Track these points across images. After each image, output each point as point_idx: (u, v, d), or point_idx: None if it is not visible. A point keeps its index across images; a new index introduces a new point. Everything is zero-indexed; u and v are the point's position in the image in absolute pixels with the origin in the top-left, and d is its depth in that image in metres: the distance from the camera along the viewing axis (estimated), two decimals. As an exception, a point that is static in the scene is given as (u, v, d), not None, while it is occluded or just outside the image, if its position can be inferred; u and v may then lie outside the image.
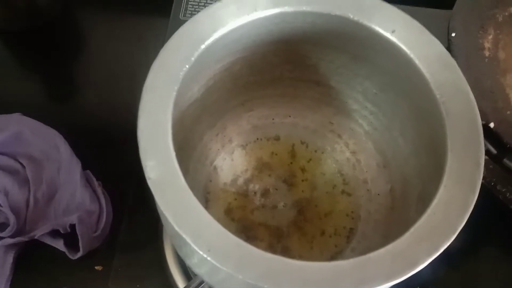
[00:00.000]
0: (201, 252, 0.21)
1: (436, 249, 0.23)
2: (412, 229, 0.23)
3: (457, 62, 0.45)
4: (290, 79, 0.40)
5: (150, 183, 0.23)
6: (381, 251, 0.22)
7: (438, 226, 0.23)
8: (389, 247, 0.23)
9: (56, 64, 0.55)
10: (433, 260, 0.43)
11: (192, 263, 0.28)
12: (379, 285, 0.22)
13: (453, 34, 0.47)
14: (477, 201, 0.44)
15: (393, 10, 0.30)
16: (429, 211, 0.24)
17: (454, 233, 0.23)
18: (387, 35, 0.29)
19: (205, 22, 0.29)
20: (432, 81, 0.28)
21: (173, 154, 0.24)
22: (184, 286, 0.36)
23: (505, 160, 0.45)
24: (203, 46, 0.28)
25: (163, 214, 0.23)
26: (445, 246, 0.23)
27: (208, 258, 0.21)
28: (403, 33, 0.29)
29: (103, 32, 0.57)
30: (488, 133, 0.44)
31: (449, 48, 0.47)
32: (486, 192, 0.41)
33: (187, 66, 0.27)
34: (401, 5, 0.31)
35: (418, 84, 0.30)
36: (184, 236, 0.22)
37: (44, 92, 0.55)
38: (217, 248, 0.22)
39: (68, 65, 0.56)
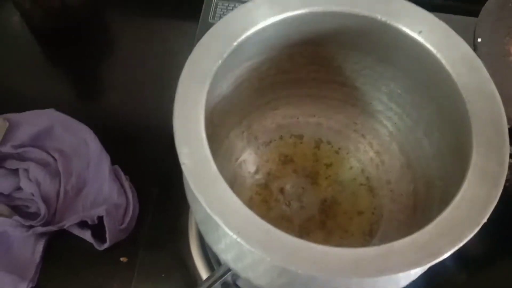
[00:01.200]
0: (231, 233, 0.22)
1: (460, 240, 0.23)
2: (436, 221, 0.24)
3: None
4: (315, 80, 0.41)
5: (184, 169, 0.25)
6: (405, 240, 0.23)
7: (461, 219, 0.24)
8: (413, 236, 0.23)
9: (87, 63, 0.57)
10: (453, 267, 0.44)
11: (219, 249, 0.29)
12: (401, 272, 0.22)
13: (479, 40, 0.47)
14: (498, 205, 0.45)
15: (420, 12, 0.31)
16: (452, 204, 0.25)
17: (477, 226, 0.24)
18: (414, 35, 0.30)
19: (237, 20, 0.30)
20: (459, 81, 0.29)
21: (205, 142, 0.25)
22: (207, 276, 0.37)
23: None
24: (235, 44, 0.29)
25: (195, 198, 0.24)
26: (468, 238, 0.23)
27: (238, 240, 0.22)
28: (430, 34, 0.30)
29: (132, 34, 0.59)
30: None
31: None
32: (508, 196, 0.41)
33: (219, 62, 0.28)
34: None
35: (443, 85, 0.30)
36: (215, 217, 0.23)
37: (76, 90, 0.57)
38: (246, 231, 0.23)
39: (99, 65, 0.57)
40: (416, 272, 0.28)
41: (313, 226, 0.39)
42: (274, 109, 0.42)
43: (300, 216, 0.40)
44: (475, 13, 0.50)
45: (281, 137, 0.43)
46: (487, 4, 0.50)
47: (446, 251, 0.23)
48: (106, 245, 0.45)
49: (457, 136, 0.31)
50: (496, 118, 0.27)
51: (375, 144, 0.42)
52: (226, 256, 0.29)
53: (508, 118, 0.43)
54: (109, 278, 0.45)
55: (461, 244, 0.23)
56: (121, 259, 0.46)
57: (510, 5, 0.50)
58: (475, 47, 0.47)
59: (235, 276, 0.40)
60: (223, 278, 0.38)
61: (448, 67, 0.29)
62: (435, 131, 0.35)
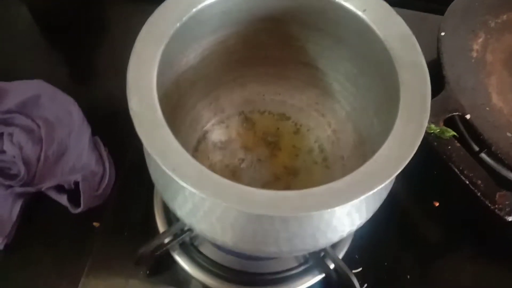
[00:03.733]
0: (166, 170, 0.25)
1: (370, 189, 0.26)
2: (353, 173, 0.27)
3: (443, 59, 0.49)
4: (281, 59, 0.44)
5: (131, 113, 0.27)
6: (322, 187, 0.26)
7: (375, 172, 0.27)
8: (330, 184, 0.26)
9: (81, 46, 0.60)
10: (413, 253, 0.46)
11: (168, 197, 0.32)
12: (314, 211, 0.25)
13: (443, 34, 0.50)
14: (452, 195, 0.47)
15: (366, -8, 0.33)
16: (371, 160, 0.27)
17: (388, 178, 0.26)
18: (359, 13, 0.33)
19: (198, -11, 0.33)
20: (393, 55, 0.31)
21: (154, 93, 0.28)
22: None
23: (482, 154, 0.47)
24: (194, 10, 0.32)
25: (141, 140, 0.26)
26: (378, 188, 0.26)
27: (173, 176, 0.25)
28: (373, 12, 0.33)
29: (127, 21, 0.60)
30: (467, 127, 0.47)
31: (437, 46, 0.50)
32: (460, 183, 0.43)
33: (177, 25, 0.31)
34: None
35: (384, 61, 0.33)
36: (154, 156, 0.26)
37: (68, 70, 0.60)
38: (182, 169, 0.25)
39: (92, 49, 0.60)
40: (342, 226, 0.31)
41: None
42: (242, 85, 0.45)
43: (256, 184, 0.42)
44: (440, 12, 0.53)
45: (247, 111, 0.46)
46: (454, 1, 0.53)
47: (356, 197, 0.25)
48: (80, 209, 0.47)
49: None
50: (421, 87, 0.30)
51: (333, 123, 0.45)
52: (174, 204, 0.31)
53: (461, 106, 0.46)
54: (81, 240, 0.47)
55: (370, 192, 0.26)
56: (94, 224, 0.48)
57: (476, 4, 0.53)
58: (438, 40, 0.50)
59: (194, 238, 0.43)
60: (181, 237, 0.41)
61: (386, 42, 0.32)
62: (384, 109, 0.38)
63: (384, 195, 0.33)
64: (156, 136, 0.26)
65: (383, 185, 0.26)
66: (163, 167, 0.25)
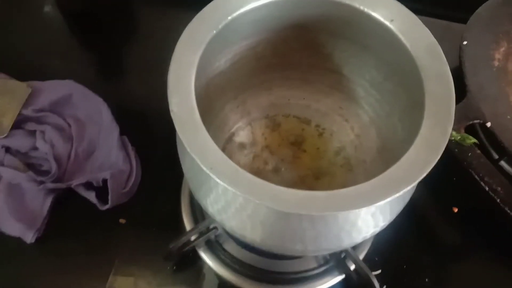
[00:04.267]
0: (205, 169, 0.27)
1: (396, 192, 0.27)
2: (379, 177, 0.28)
3: (465, 68, 0.49)
4: (307, 65, 0.45)
5: (172, 115, 0.29)
6: (349, 189, 0.27)
7: (400, 177, 0.28)
8: (356, 187, 0.27)
9: (110, 46, 0.62)
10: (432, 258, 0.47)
11: (200, 195, 0.33)
12: (342, 210, 0.26)
13: (465, 43, 0.51)
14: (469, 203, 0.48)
15: (393, 3, 0.35)
16: (396, 165, 0.29)
17: (412, 183, 0.28)
18: (386, 23, 0.34)
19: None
20: (420, 64, 0.33)
21: (193, 96, 0.30)
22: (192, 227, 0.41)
23: (502, 162, 0.48)
24: (229, 18, 0.34)
25: (180, 140, 0.28)
26: (402, 192, 0.27)
27: (210, 174, 0.27)
28: (400, 23, 0.34)
29: (155, 23, 0.64)
30: (488, 135, 0.48)
31: (459, 55, 0.51)
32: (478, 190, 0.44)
33: (214, 32, 0.33)
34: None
35: (409, 70, 0.34)
36: (193, 155, 0.27)
37: (97, 69, 0.62)
38: (218, 168, 0.27)
39: (120, 49, 0.62)
40: (367, 226, 0.32)
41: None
42: (268, 89, 0.47)
43: (281, 185, 0.44)
44: (464, 20, 0.54)
45: (273, 115, 0.47)
46: (478, 11, 0.54)
47: (382, 199, 0.27)
48: (107, 206, 0.49)
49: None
50: (446, 96, 0.31)
51: (356, 128, 0.46)
52: (206, 201, 0.33)
53: (481, 114, 0.47)
54: (108, 236, 0.49)
55: (396, 195, 0.27)
56: (120, 220, 0.50)
57: (499, 14, 0.54)
58: (460, 49, 0.51)
59: (218, 236, 0.45)
60: (207, 235, 0.43)
61: (412, 52, 0.33)
62: (407, 116, 0.39)
63: (407, 198, 0.34)
64: (195, 137, 0.28)
65: (408, 188, 0.27)
66: (202, 166, 0.27)
